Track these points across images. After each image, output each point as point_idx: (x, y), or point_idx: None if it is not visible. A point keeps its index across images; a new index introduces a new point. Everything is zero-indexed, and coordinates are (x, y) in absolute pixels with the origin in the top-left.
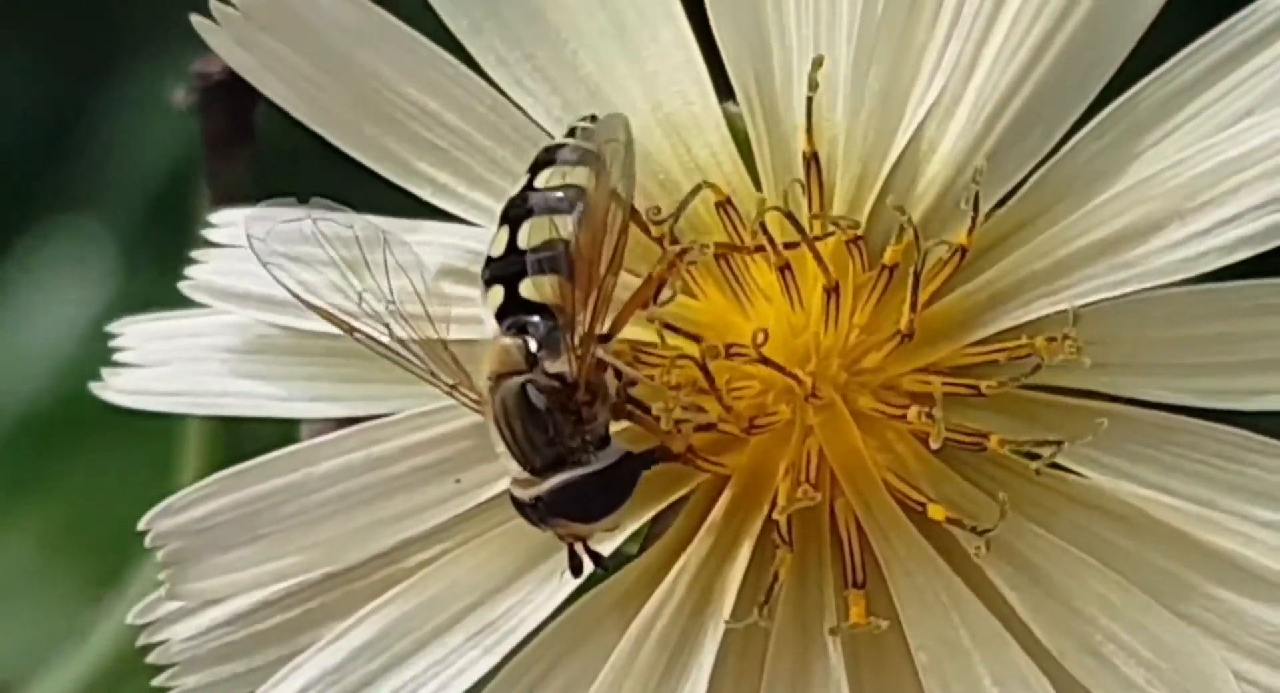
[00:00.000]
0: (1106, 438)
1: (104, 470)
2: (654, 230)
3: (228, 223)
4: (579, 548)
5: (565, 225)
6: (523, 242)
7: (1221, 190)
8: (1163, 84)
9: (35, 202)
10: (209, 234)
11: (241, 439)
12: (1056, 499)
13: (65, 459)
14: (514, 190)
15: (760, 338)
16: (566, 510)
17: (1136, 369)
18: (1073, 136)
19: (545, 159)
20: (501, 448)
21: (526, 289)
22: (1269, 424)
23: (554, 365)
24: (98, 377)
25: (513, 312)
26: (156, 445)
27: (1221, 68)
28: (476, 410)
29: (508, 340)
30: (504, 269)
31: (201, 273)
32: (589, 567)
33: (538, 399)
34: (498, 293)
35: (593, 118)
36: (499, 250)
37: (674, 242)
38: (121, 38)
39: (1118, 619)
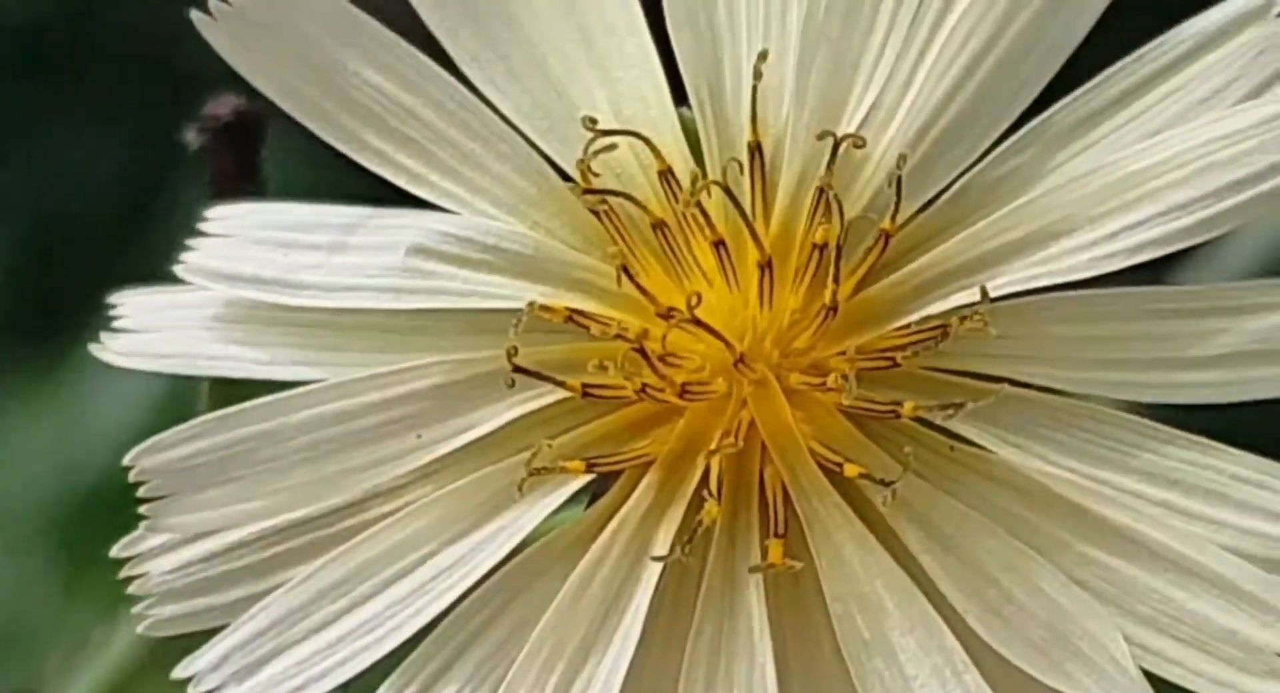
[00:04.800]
0: (1015, 418)
1: None
2: (591, 203)
3: (220, 217)
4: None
5: None
6: None
7: (1128, 198)
8: (1079, 106)
9: (113, 275)
10: (203, 226)
11: None
12: (967, 474)
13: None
14: None
15: (694, 300)
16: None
17: (1046, 361)
18: (995, 149)
19: None
20: None
21: None
22: (1163, 413)
23: None
24: None
25: None
26: None
27: (1133, 93)
28: None
29: None
30: None
31: (195, 258)
32: None
33: None
34: None
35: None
36: None
37: (615, 219)
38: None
39: (1018, 583)
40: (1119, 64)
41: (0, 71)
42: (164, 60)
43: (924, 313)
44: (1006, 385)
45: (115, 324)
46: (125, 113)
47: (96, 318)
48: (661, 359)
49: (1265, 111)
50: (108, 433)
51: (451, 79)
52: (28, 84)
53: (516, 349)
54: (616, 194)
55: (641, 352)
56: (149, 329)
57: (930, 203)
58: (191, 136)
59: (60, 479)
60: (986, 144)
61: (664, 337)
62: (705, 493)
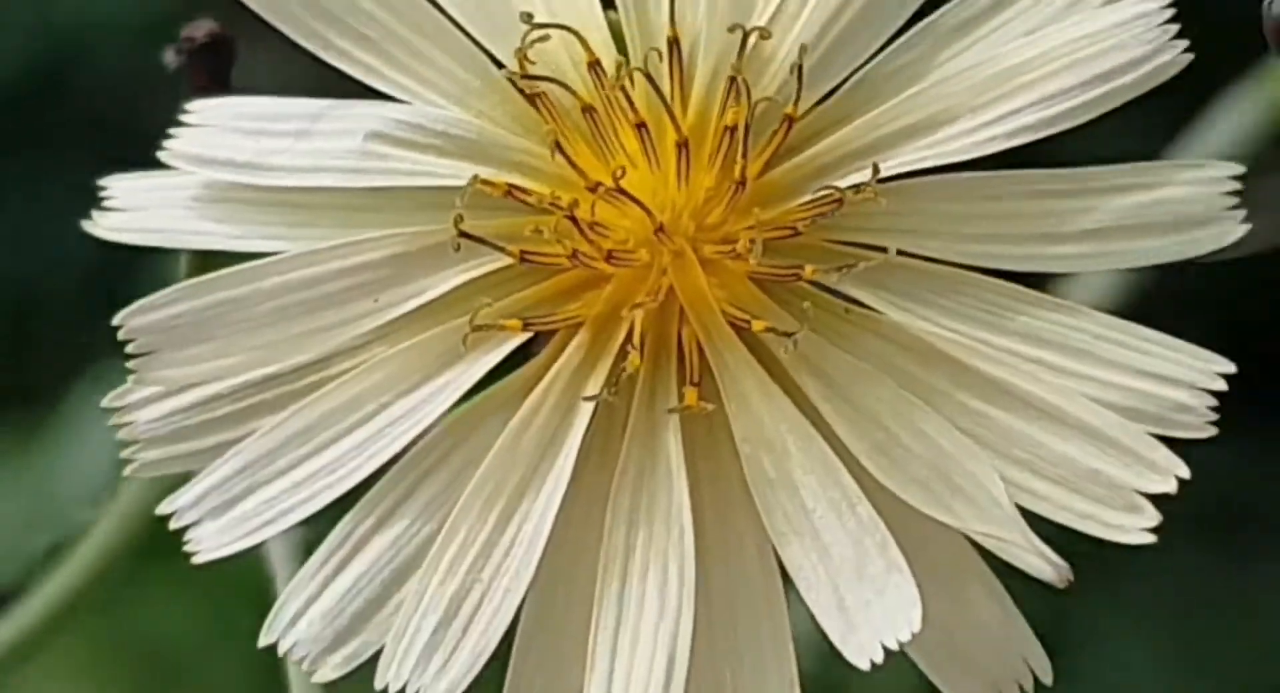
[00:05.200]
0: (904, 284)
1: (146, 595)
2: (527, 89)
3: (199, 110)
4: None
5: None
6: None
7: (1006, 89)
8: (962, 9)
9: (85, 348)
10: (184, 118)
11: None
12: (861, 333)
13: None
14: None
15: (619, 172)
16: None
17: (936, 235)
18: (888, 47)
19: None
20: None
21: None
22: (1037, 282)
23: None
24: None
25: None
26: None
27: None
28: None
29: None
30: None
31: (176, 145)
32: None
33: None
34: None
35: None
36: None
37: (548, 106)
38: None
39: (905, 428)
40: None
41: None
42: (134, 129)
43: (823, 189)
44: (895, 256)
45: (105, 204)
46: (97, 184)
47: (68, 391)
48: (591, 227)
49: (1124, 14)
50: (79, 503)
51: None
52: None
53: (462, 217)
54: (549, 80)
55: (573, 219)
56: (136, 208)
57: (829, 95)
58: (169, 57)
59: (30, 547)
60: (880, 42)
61: (593, 205)
62: (629, 346)
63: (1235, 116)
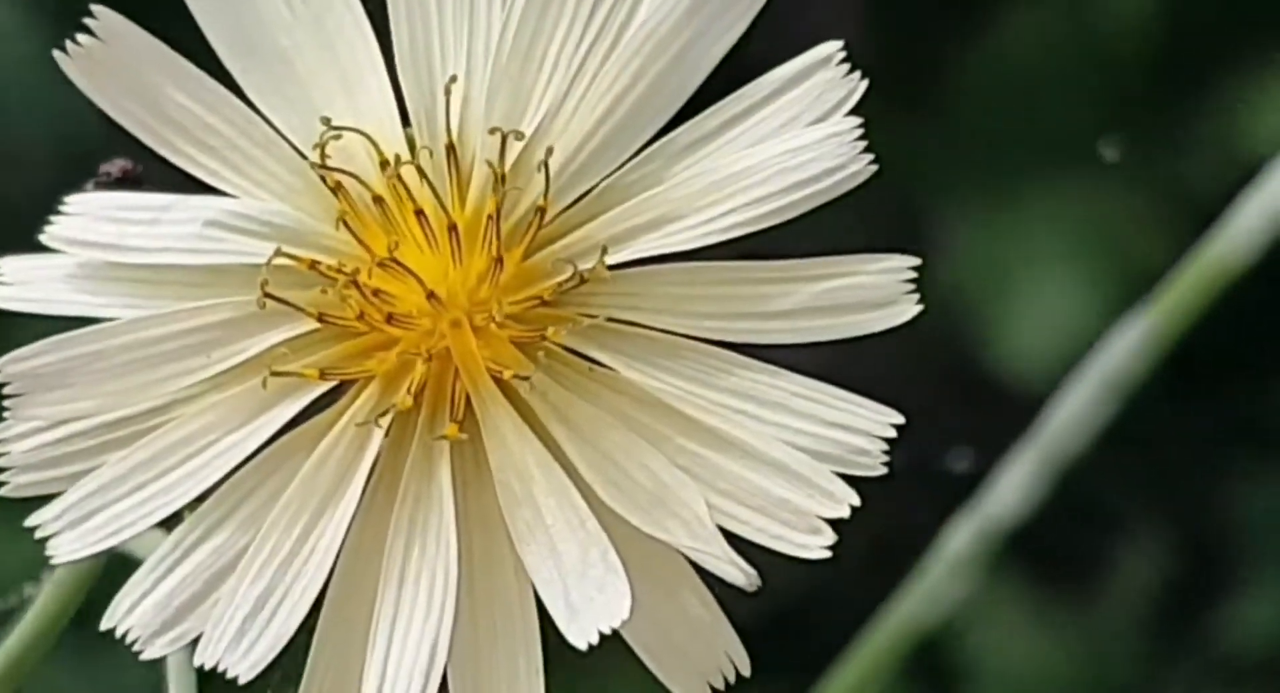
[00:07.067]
0: (638, 350)
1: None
2: (327, 178)
3: (74, 202)
4: None
5: None
6: None
7: (724, 193)
8: (693, 130)
9: None
10: (62, 209)
11: None
12: (601, 388)
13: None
14: None
15: (394, 245)
16: None
17: (662, 311)
18: (631, 161)
19: None
20: None
21: None
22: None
23: None
24: None
25: None
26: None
27: (732, 121)
28: None
29: None
30: None
31: (55, 230)
32: None
33: None
34: None
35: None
36: None
37: (348, 198)
38: None
39: (633, 464)
40: (723, 101)
41: None
42: None
43: (569, 272)
44: (638, 333)
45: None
46: None
47: None
48: (375, 293)
49: (822, 133)
50: None
51: (241, 104)
52: None
53: (268, 282)
54: (343, 172)
55: (355, 284)
56: (22, 282)
57: (584, 197)
58: (89, 188)
59: None
60: (625, 157)
61: (370, 272)
62: (407, 392)
63: None
